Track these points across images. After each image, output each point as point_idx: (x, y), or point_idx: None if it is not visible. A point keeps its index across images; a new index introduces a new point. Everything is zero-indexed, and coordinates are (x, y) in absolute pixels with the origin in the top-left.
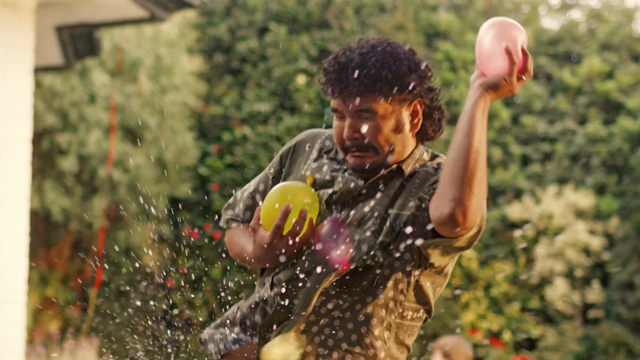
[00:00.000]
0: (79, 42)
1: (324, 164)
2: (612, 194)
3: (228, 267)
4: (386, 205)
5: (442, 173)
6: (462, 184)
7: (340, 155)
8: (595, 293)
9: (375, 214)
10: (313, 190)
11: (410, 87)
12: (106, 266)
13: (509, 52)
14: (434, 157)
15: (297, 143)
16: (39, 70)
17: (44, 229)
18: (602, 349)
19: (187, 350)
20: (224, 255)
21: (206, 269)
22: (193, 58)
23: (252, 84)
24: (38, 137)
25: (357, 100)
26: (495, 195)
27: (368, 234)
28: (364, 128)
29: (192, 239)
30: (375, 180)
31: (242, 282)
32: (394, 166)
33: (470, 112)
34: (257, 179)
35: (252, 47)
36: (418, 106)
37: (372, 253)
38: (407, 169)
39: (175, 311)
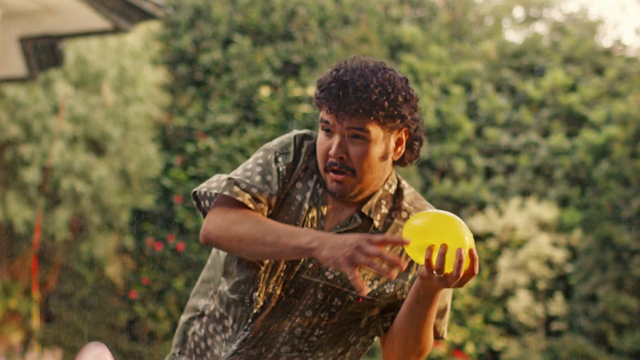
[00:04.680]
0: (43, 53)
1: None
2: (575, 206)
3: (191, 279)
4: None
5: (410, 333)
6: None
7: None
8: (558, 305)
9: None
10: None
11: (402, 117)
12: (64, 276)
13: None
14: (398, 190)
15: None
16: (2, 81)
17: (6, 241)
18: None
19: None
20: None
21: (169, 281)
22: (157, 70)
23: (216, 96)
24: (1, 148)
25: (353, 120)
26: (458, 207)
27: None
28: (354, 150)
29: (155, 251)
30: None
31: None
32: (366, 212)
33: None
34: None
35: (216, 58)
36: (404, 135)
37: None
38: (376, 217)
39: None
